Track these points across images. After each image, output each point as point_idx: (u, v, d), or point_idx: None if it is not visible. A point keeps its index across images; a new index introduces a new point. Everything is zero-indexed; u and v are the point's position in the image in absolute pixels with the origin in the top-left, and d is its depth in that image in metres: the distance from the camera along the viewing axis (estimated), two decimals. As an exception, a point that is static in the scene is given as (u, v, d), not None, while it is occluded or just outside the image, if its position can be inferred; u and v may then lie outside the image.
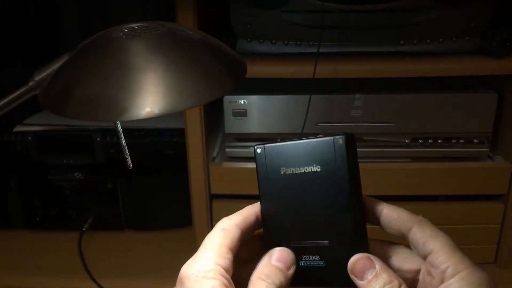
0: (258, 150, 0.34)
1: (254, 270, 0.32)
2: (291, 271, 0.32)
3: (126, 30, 0.34)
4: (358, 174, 0.32)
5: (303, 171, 0.33)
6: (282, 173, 0.33)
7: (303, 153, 0.33)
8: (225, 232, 0.32)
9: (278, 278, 0.31)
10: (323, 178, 0.32)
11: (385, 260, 0.33)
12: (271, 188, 0.34)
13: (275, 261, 0.32)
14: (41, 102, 0.34)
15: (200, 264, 0.30)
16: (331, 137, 0.32)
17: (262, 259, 0.33)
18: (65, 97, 0.32)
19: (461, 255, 0.30)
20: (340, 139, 0.32)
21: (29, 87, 0.35)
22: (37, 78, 0.34)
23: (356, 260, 0.31)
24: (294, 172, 0.33)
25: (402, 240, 0.33)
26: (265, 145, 0.34)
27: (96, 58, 0.33)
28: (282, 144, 0.34)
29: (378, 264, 0.30)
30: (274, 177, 0.34)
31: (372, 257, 0.31)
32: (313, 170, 0.32)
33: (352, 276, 0.31)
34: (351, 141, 0.32)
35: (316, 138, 0.33)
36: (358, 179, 0.32)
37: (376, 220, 0.33)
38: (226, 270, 0.30)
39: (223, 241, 0.31)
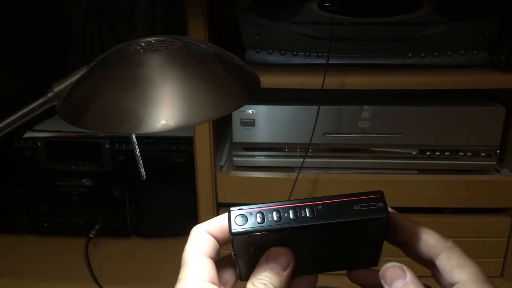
0: None
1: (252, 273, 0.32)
2: (287, 271, 0.32)
3: (143, 44, 0.35)
4: None
5: None
6: None
7: None
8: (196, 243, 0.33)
9: (272, 282, 0.31)
10: None
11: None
12: None
13: (270, 264, 0.32)
14: (59, 113, 0.34)
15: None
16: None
17: (261, 259, 0.33)
18: (83, 109, 0.33)
19: None
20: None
21: (48, 98, 0.35)
22: (55, 89, 0.35)
23: (389, 267, 0.31)
24: None
25: (428, 266, 0.33)
26: None
27: (113, 71, 0.34)
28: None
29: (409, 275, 0.30)
30: None
31: (405, 267, 0.31)
32: None
33: (382, 281, 0.31)
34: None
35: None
36: None
37: (405, 240, 0.33)
38: (209, 279, 0.31)
39: (198, 251, 0.32)
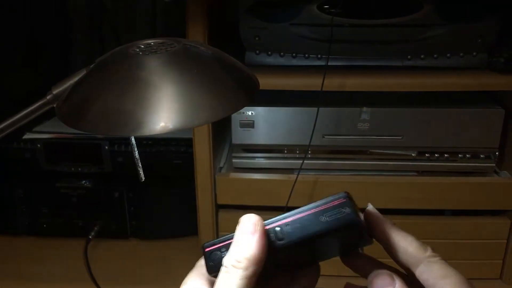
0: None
1: None
2: (257, 234, 0.29)
3: (142, 47, 0.35)
4: None
5: None
6: None
7: None
8: None
9: (245, 256, 0.29)
10: None
11: None
12: None
13: (236, 239, 0.29)
14: (58, 115, 0.34)
15: None
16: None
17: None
18: (82, 111, 0.33)
19: None
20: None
21: (47, 100, 0.35)
22: (55, 92, 0.35)
23: (377, 274, 0.31)
24: None
25: (407, 272, 0.32)
26: None
27: (113, 73, 0.34)
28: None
29: (398, 283, 0.30)
30: None
31: (394, 275, 0.30)
32: None
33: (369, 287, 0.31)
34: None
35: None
36: None
37: (382, 245, 0.32)
38: None
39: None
